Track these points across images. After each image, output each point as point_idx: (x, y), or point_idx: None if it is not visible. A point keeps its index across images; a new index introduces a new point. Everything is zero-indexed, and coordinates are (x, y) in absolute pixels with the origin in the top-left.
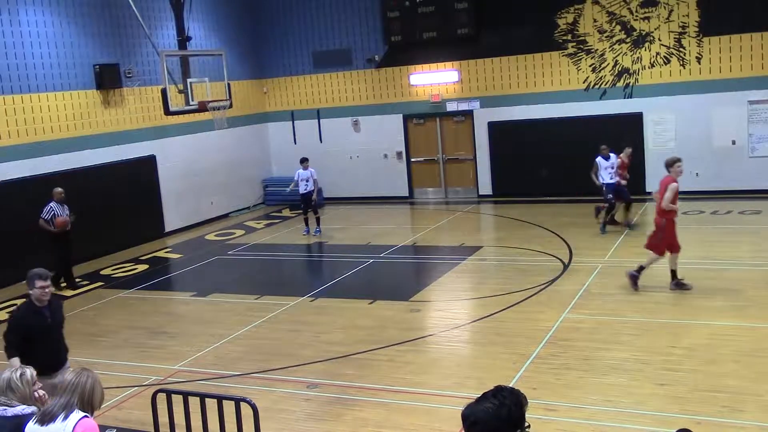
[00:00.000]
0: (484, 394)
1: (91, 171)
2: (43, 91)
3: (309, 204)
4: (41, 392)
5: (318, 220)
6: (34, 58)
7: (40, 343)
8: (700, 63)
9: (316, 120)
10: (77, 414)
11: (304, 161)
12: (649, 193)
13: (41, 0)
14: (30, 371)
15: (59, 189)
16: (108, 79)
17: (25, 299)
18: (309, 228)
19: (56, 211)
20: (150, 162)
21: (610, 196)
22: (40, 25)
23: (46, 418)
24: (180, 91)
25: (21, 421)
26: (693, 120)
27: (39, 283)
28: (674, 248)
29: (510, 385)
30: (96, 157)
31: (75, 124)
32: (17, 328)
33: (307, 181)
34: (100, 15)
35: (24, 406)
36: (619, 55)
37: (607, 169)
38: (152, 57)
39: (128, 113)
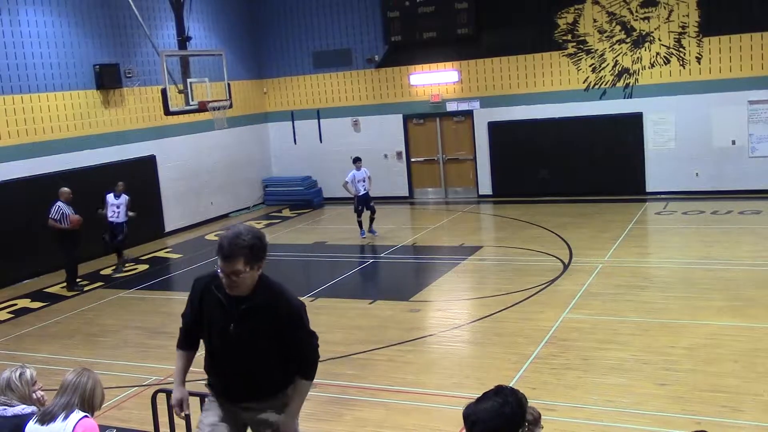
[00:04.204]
0: (485, 393)
1: (91, 171)
2: (43, 91)
3: (366, 205)
4: (40, 393)
5: (373, 220)
6: (34, 58)
7: None
8: (700, 63)
9: (316, 120)
10: (77, 414)
11: (357, 161)
12: (650, 194)
13: (41, 0)
14: (30, 371)
15: (67, 189)
16: (108, 79)
17: None
18: (364, 230)
19: (65, 211)
20: (150, 162)
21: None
22: (40, 25)
23: (46, 418)
24: (180, 91)
25: (21, 420)
26: (693, 120)
27: None
28: None
29: (510, 385)
30: (96, 157)
31: (75, 124)
32: None
33: (363, 181)
34: (100, 15)
35: (24, 406)
36: (619, 55)
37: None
38: (152, 57)
39: (128, 113)
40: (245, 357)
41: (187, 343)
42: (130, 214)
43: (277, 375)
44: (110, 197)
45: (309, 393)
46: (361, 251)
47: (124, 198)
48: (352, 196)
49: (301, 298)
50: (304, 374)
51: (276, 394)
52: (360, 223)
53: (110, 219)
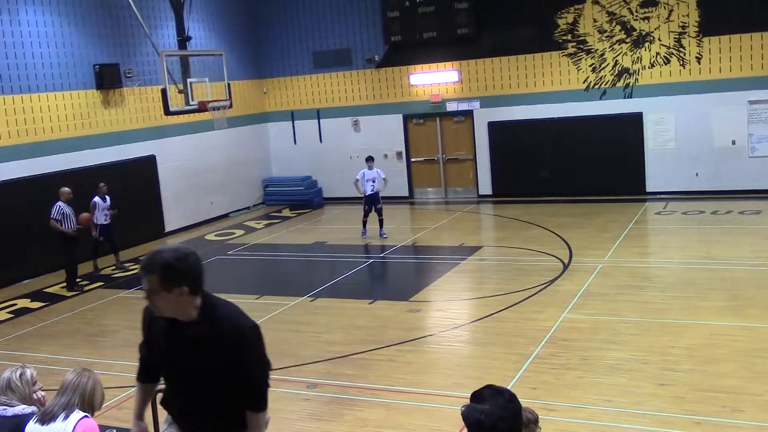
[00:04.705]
0: (479, 395)
1: (91, 171)
2: (43, 91)
3: (374, 206)
4: (41, 393)
5: (381, 221)
6: (34, 58)
7: None
8: (700, 63)
9: (316, 120)
10: (78, 414)
11: (369, 160)
12: (650, 194)
13: (41, 0)
14: (30, 371)
15: (67, 189)
16: (108, 79)
17: None
18: (367, 231)
19: (66, 211)
20: (150, 162)
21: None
22: (40, 25)
23: (46, 418)
24: (180, 91)
25: (21, 420)
26: (693, 120)
27: None
28: None
29: (500, 385)
30: (96, 157)
31: (75, 124)
32: None
33: (373, 181)
34: (100, 15)
35: (24, 406)
36: (619, 55)
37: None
38: (152, 57)
39: (128, 113)
40: (196, 391)
41: (145, 375)
42: (114, 212)
43: (233, 412)
44: (99, 201)
45: (309, 393)
46: (361, 251)
47: (109, 199)
48: (360, 194)
49: (302, 298)
50: (255, 407)
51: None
52: (364, 223)
53: (104, 222)
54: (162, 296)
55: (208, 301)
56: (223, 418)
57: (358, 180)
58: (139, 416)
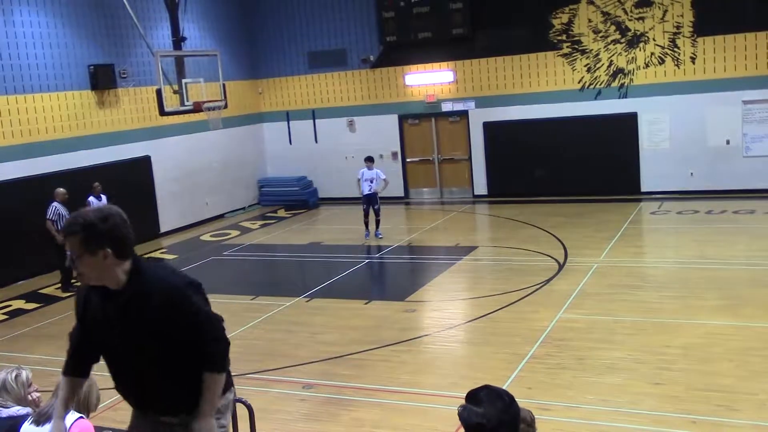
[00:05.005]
0: (476, 395)
1: (86, 172)
2: (37, 91)
3: (372, 206)
4: (36, 395)
5: (378, 222)
6: (29, 59)
7: None
8: (694, 63)
9: (312, 120)
10: (73, 415)
11: (369, 160)
12: (644, 194)
13: (36, 0)
14: (25, 373)
15: (62, 190)
16: (103, 80)
17: None
18: (369, 231)
19: (61, 211)
20: (145, 162)
21: None
22: (34, 25)
23: (41, 419)
24: (175, 92)
25: (16, 422)
26: (687, 120)
27: None
28: None
29: (497, 386)
30: (91, 157)
31: (70, 124)
32: None
33: (371, 181)
34: (94, 15)
35: (19, 407)
36: (613, 55)
37: None
38: (147, 57)
39: (123, 114)
40: (140, 366)
41: (73, 367)
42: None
43: (185, 384)
44: (94, 200)
45: (304, 393)
46: (357, 252)
47: (105, 198)
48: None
49: (297, 299)
50: (210, 366)
51: (193, 409)
52: (366, 224)
53: None
54: (85, 260)
55: (138, 266)
56: (176, 393)
57: (359, 179)
58: (61, 416)
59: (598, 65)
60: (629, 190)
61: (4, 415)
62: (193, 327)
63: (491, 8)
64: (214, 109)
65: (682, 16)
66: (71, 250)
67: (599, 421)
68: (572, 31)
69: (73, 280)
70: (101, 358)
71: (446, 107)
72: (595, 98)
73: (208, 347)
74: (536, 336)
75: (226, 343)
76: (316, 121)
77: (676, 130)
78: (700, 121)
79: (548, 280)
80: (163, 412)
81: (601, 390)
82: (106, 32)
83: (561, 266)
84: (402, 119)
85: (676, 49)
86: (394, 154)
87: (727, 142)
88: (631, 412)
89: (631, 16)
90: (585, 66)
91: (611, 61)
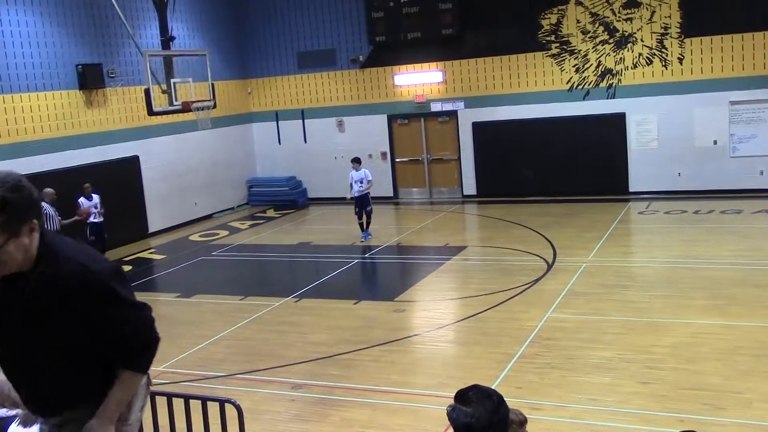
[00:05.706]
0: (465, 395)
1: (75, 171)
2: (25, 91)
3: (362, 207)
4: None
5: (368, 223)
6: (16, 58)
7: None
8: (682, 64)
9: (301, 120)
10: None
11: (356, 161)
12: (633, 194)
13: (23, 0)
14: None
15: (50, 190)
16: (91, 79)
17: None
18: (369, 232)
19: (50, 212)
20: (133, 162)
21: None
22: (22, 24)
23: (29, 420)
24: (163, 92)
25: (3, 423)
26: (675, 120)
27: None
28: None
29: (487, 386)
30: (79, 157)
31: (58, 124)
32: None
33: (360, 182)
34: (82, 15)
35: (6, 409)
36: (602, 55)
37: None
38: (135, 57)
39: (111, 113)
40: (35, 360)
41: None
42: (100, 211)
43: (87, 379)
44: (84, 201)
45: (294, 393)
46: (346, 252)
47: (97, 198)
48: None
49: (286, 299)
50: (128, 362)
51: (87, 404)
52: (360, 225)
53: (94, 221)
54: (9, 245)
55: (47, 243)
56: (72, 389)
57: (351, 183)
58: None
59: (586, 66)
60: (617, 190)
61: None
62: (112, 317)
63: (480, 9)
64: (202, 109)
65: (669, 17)
66: None
67: (588, 420)
68: (561, 31)
69: None
70: None
71: (435, 107)
72: (584, 99)
73: (126, 340)
74: (525, 336)
75: (155, 341)
76: (306, 121)
77: (664, 131)
78: (688, 121)
79: (537, 280)
80: (54, 413)
81: (590, 389)
82: (94, 32)
83: (550, 266)
84: (391, 119)
85: (663, 50)
86: (384, 154)
87: (715, 143)
88: (620, 411)
89: (620, 17)
90: (573, 66)
91: (599, 61)
